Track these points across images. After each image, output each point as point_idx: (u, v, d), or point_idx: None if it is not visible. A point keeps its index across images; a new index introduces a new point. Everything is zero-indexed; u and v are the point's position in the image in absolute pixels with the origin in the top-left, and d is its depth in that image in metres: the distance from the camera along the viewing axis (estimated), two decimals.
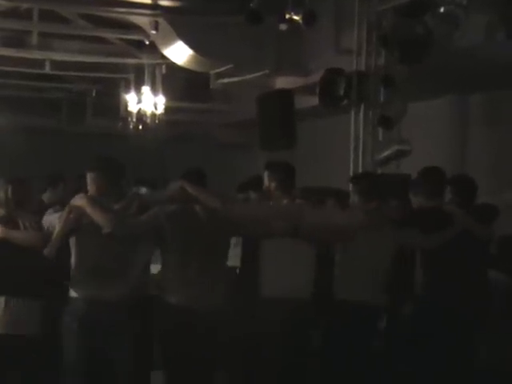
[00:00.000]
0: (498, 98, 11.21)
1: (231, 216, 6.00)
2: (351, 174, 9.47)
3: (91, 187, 5.85)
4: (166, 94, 13.61)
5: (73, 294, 5.74)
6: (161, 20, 10.90)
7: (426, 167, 6.87)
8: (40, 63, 12.85)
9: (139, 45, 12.63)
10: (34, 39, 11.99)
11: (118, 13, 11.04)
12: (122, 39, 12.68)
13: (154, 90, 13.52)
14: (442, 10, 8.26)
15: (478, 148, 11.47)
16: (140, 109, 13.35)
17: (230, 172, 14.02)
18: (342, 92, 9.52)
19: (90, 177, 5.87)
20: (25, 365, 5.71)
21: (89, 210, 5.69)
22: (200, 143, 15.39)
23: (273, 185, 6.50)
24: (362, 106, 9.68)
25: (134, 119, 13.33)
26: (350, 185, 6.88)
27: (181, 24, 10.88)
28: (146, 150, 14.26)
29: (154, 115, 13.35)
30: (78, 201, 5.77)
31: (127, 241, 5.81)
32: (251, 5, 9.39)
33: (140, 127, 13.42)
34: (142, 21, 11.16)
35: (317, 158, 13.09)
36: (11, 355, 5.61)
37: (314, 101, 10.01)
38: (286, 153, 11.43)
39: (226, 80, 12.16)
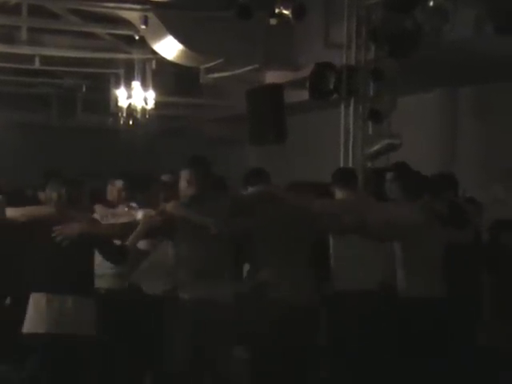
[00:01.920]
0: (487, 91, 11.25)
1: (315, 213, 6.23)
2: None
3: (184, 183, 6.11)
4: (156, 88, 13.58)
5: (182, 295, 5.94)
6: (150, 15, 10.88)
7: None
8: (29, 58, 12.80)
9: (129, 40, 12.61)
10: (24, 34, 11.95)
11: (108, 8, 11.02)
12: (111, 34, 12.65)
13: (144, 85, 13.49)
14: (431, 3, 8.29)
15: (468, 141, 11.51)
16: (130, 104, 13.32)
17: (220, 167, 14.04)
18: (331, 86, 9.54)
19: (184, 174, 6.15)
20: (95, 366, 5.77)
21: (188, 215, 5.96)
22: (190, 138, 15.38)
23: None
24: (352, 100, 9.69)
25: (124, 114, 13.30)
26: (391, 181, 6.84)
27: (171, 19, 10.87)
28: (137, 144, 14.25)
29: (144, 110, 13.32)
30: (173, 208, 6.02)
31: (225, 241, 6.03)
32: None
33: (130, 122, 13.40)
34: (132, 16, 11.14)
35: (307, 153, 13.12)
36: (80, 356, 5.59)
37: (303, 95, 10.03)
38: (276, 147, 11.49)
39: (216, 75, 12.15)
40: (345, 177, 6.95)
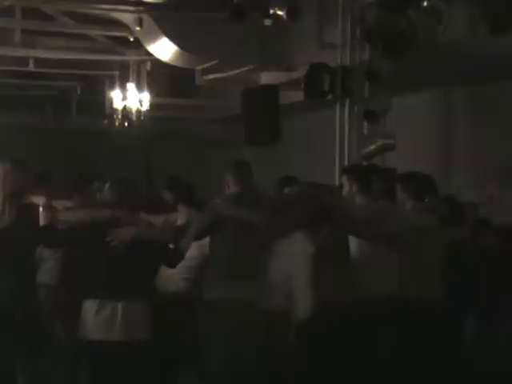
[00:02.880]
0: (481, 91, 11.27)
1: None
2: (337, 168, 9.53)
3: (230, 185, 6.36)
4: (151, 90, 13.60)
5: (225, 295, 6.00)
6: (145, 16, 10.88)
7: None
8: (24, 61, 12.80)
9: (124, 41, 12.60)
10: (18, 37, 11.95)
11: (102, 10, 11.02)
12: (106, 36, 12.65)
13: (139, 87, 13.50)
14: (424, 4, 8.30)
15: (462, 141, 11.52)
16: (125, 106, 13.33)
17: (215, 168, 14.04)
18: (326, 87, 9.55)
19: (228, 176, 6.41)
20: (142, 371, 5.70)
21: (236, 213, 6.09)
22: (186, 139, 15.39)
23: (354, 187, 6.69)
24: (347, 101, 9.71)
25: (120, 116, 13.31)
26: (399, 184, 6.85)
27: (165, 20, 10.86)
28: (132, 146, 14.25)
29: (139, 112, 13.33)
30: (221, 207, 6.19)
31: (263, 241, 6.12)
32: (235, 0, 9.41)
33: (125, 124, 13.40)
34: (126, 17, 11.14)
35: (302, 153, 13.13)
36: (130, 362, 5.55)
37: (298, 96, 10.04)
38: (272, 148, 11.49)
39: (211, 76, 12.15)
40: (368, 181, 6.90)
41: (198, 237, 6.19)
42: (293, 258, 6.04)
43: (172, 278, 6.58)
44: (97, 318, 5.43)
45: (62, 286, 7.11)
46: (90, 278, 5.60)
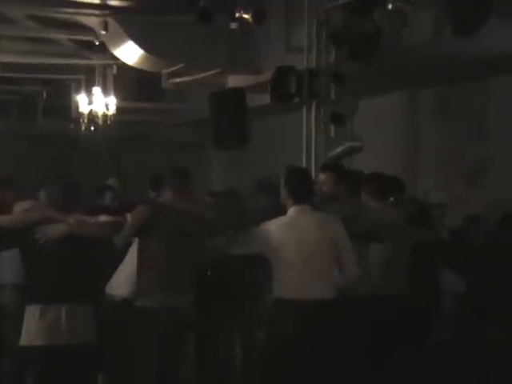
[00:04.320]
0: (447, 92, 11.33)
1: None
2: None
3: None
4: (117, 94, 13.53)
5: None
6: (110, 20, 10.81)
7: None
8: None
9: (89, 45, 12.53)
10: None
11: (67, 13, 10.93)
12: (71, 40, 12.56)
13: (106, 91, 13.44)
14: (389, 6, 8.32)
15: (429, 142, 11.58)
16: (91, 110, 13.27)
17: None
18: (293, 90, 9.55)
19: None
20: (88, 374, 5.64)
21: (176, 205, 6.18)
22: (153, 143, 15.34)
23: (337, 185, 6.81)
24: (314, 104, 9.72)
25: (86, 120, 13.24)
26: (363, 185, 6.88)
27: (130, 24, 10.81)
28: (99, 151, 14.17)
29: (105, 116, 13.27)
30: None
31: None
32: (201, 3, 9.38)
33: (92, 128, 13.33)
34: (92, 21, 11.07)
35: (269, 156, 13.11)
36: (74, 366, 5.46)
37: (265, 99, 10.03)
38: (240, 151, 11.48)
39: (177, 79, 12.12)
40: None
41: (138, 231, 6.08)
42: None
43: (124, 282, 6.49)
44: (40, 323, 5.35)
45: (16, 287, 7.06)
46: (31, 281, 5.53)
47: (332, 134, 9.68)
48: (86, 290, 5.50)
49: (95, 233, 5.62)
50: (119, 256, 6.34)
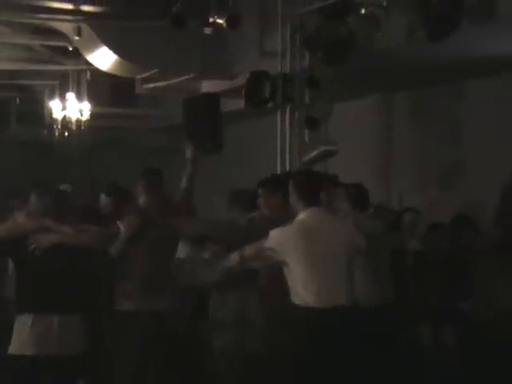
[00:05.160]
0: (420, 96, 11.38)
1: None
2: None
3: None
4: (91, 100, 13.50)
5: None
6: (84, 25, 10.79)
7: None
8: None
9: (63, 51, 12.49)
10: None
11: (40, 19, 10.90)
12: (45, 46, 12.52)
13: (79, 97, 13.40)
14: (362, 11, 8.35)
15: (404, 146, 11.63)
16: (65, 115, 13.22)
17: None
18: (267, 94, 9.57)
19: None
20: None
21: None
22: (127, 149, 15.30)
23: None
24: (288, 108, 9.73)
25: (60, 126, 13.19)
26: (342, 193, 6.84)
27: (104, 29, 10.79)
28: (73, 156, 14.12)
29: (79, 122, 13.22)
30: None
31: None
32: (174, 9, 9.38)
33: (66, 134, 13.29)
34: (65, 27, 11.04)
35: (244, 161, 13.12)
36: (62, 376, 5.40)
37: (240, 104, 10.04)
38: (214, 156, 11.46)
39: (151, 85, 12.10)
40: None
41: (130, 240, 6.07)
42: None
43: None
44: (31, 333, 5.31)
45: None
46: (23, 291, 5.49)
47: (306, 139, 9.70)
48: (79, 301, 5.48)
49: (89, 242, 5.60)
50: (115, 266, 6.25)
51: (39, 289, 5.37)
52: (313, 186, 5.84)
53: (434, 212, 9.25)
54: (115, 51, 10.90)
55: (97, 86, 13.73)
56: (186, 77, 11.41)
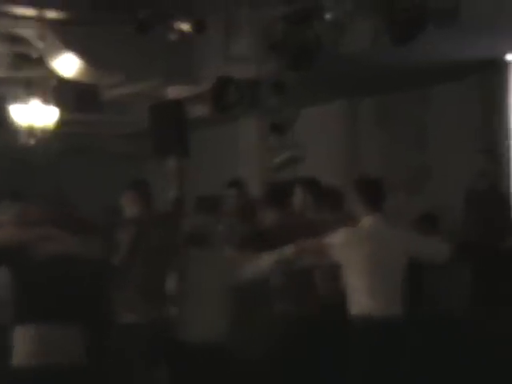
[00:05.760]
0: (387, 100, 11.43)
1: None
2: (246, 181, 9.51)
3: None
4: (56, 106, 13.39)
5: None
6: (48, 32, 10.72)
7: None
8: None
9: (28, 57, 12.39)
10: None
11: (4, 25, 10.81)
12: (9, 52, 12.41)
13: (45, 103, 13.29)
14: (328, 16, 8.36)
15: (370, 150, 11.66)
16: (30, 122, 13.11)
17: (125, 183, 13.88)
18: (233, 100, 9.55)
19: None
20: None
21: None
22: (94, 155, 15.22)
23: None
24: (254, 113, 9.73)
25: (25, 133, 13.08)
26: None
27: (69, 35, 10.73)
28: (39, 163, 14.01)
29: (45, 128, 13.12)
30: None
31: None
32: (139, 14, 9.34)
33: (31, 141, 13.18)
34: (29, 33, 10.96)
35: (211, 167, 13.09)
36: None
37: (206, 109, 10.02)
38: (180, 162, 11.42)
39: (117, 91, 12.04)
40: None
41: (132, 250, 6.05)
42: None
43: None
44: (34, 343, 5.20)
45: None
46: (22, 301, 5.40)
47: (273, 144, 9.70)
48: (81, 311, 5.40)
49: (91, 252, 5.53)
50: (118, 276, 6.19)
51: (40, 298, 5.25)
52: (376, 192, 5.81)
53: (400, 216, 9.27)
54: (80, 57, 10.83)
55: (62, 92, 13.63)
56: (152, 83, 11.37)
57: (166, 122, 10.79)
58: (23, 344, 5.18)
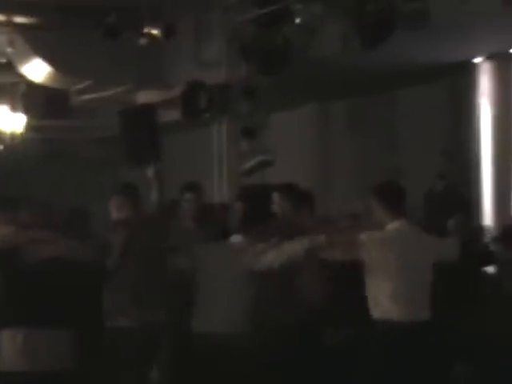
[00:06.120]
0: (358, 104, 11.46)
1: None
2: (215, 185, 9.52)
3: None
4: (26, 112, 13.32)
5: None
6: (17, 37, 10.65)
7: None
8: None
9: None
10: None
11: None
12: None
13: (14, 109, 13.22)
14: (298, 20, 8.37)
15: (342, 153, 11.69)
16: None
17: (96, 188, 13.82)
18: (203, 104, 9.53)
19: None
20: None
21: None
22: (64, 160, 15.14)
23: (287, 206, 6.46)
24: (225, 118, 9.72)
25: None
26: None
27: (37, 41, 10.67)
28: (8, 169, 13.92)
29: (14, 134, 13.05)
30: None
31: None
32: (109, 19, 9.30)
33: (0, 147, 13.11)
34: None
35: (182, 171, 13.04)
36: None
37: (177, 114, 9.99)
38: (158, 164, 11.38)
39: (86, 96, 11.99)
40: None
41: (123, 252, 6.00)
42: None
43: None
44: (21, 348, 5.14)
45: None
46: (10, 304, 5.35)
47: (244, 148, 9.69)
48: (72, 315, 5.35)
49: (83, 255, 5.48)
50: (110, 279, 6.13)
51: (30, 302, 5.19)
52: (399, 197, 5.79)
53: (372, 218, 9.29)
54: (49, 63, 10.78)
55: (31, 97, 13.56)
56: (122, 88, 11.33)
57: (136, 127, 10.70)
58: (12, 349, 5.14)
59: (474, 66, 10.05)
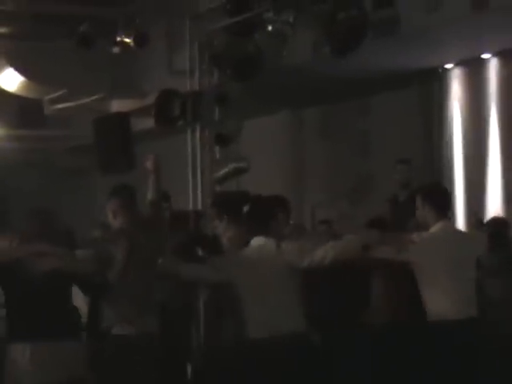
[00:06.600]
0: (330, 111, 11.53)
1: None
2: (190, 193, 9.54)
3: None
4: None
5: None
6: None
7: None
8: None
9: None
10: None
11: None
12: None
13: None
14: (269, 28, 8.41)
15: (315, 160, 11.75)
16: None
17: (72, 197, 13.80)
18: (177, 112, 9.53)
19: None
20: None
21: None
22: (39, 170, 15.08)
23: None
24: (198, 126, 9.74)
25: None
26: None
27: (10, 50, 10.66)
28: None
29: None
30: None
31: None
32: (81, 28, 9.32)
33: None
34: None
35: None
36: None
37: (150, 122, 10.01)
38: (126, 175, 11.38)
39: (60, 105, 11.97)
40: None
41: (125, 263, 5.96)
42: None
43: None
44: (31, 363, 5.15)
45: None
46: (15, 319, 5.31)
47: (217, 156, 9.71)
48: (77, 326, 5.35)
49: (85, 267, 5.46)
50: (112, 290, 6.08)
51: (36, 316, 5.22)
52: (444, 198, 5.96)
53: (344, 225, 9.35)
54: (21, 72, 10.77)
55: (4, 107, 13.51)
56: (96, 97, 11.33)
57: (110, 136, 10.76)
58: (21, 362, 5.14)
59: (445, 72, 10.15)
